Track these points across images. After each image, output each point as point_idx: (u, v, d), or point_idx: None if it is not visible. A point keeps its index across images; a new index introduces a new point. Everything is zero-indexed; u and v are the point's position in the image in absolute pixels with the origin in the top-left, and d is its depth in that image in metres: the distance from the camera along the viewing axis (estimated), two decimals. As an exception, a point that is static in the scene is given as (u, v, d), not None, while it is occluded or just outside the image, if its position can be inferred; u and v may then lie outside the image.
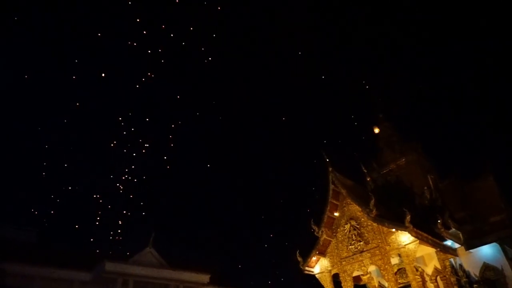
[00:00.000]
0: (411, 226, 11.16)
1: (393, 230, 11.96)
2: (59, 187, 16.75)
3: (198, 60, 17.76)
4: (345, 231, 13.36)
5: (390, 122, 18.02)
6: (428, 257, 13.12)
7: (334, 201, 13.87)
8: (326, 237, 13.62)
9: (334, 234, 13.72)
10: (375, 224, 12.48)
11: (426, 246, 11.94)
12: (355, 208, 13.23)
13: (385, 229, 12.28)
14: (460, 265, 12.40)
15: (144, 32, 16.19)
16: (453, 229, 12.46)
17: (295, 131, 19.27)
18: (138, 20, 15.96)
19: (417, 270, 12.37)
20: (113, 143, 16.70)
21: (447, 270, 12.22)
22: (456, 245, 12.55)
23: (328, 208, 13.74)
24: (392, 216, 12.16)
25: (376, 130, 17.72)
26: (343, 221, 13.57)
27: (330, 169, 13.70)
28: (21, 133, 16.34)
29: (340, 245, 13.48)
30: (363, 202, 12.61)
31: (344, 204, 13.74)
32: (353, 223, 13.21)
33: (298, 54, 18.28)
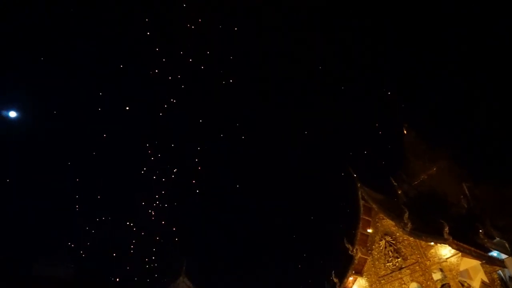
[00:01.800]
0: (451, 238, 10.58)
1: (432, 243, 11.40)
2: (92, 219, 16.99)
3: (218, 83, 17.97)
4: (381, 248, 12.84)
5: (416, 129, 17.48)
6: (473, 270, 12.34)
7: (366, 217, 13.44)
8: (362, 255, 13.14)
9: (370, 251, 13.21)
10: (411, 239, 11.94)
11: (470, 258, 11.26)
12: (388, 223, 12.74)
13: (423, 243, 11.73)
14: (510, 277, 11.58)
15: (164, 59, 16.58)
16: (498, 239, 11.70)
17: (319, 145, 18.97)
18: (157, 49, 16.40)
19: (462, 285, 11.66)
20: (143, 171, 16.94)
21: (496, 283, 11.43)
22: (503, 256, 11.75)
23: (361, 225, 13.31)
24: (429, 229, 11.60)
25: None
26: (378, 237, 13.08)
27: (359, 184, 13.34)
28: (52, 167, 16.79)
29: (376, 263, 12.95)
30: (396, 216, 12.13)
31: (376, 220, 13.28)
32: (388, 238, 12.70)
33: (318, 67, 18.22)
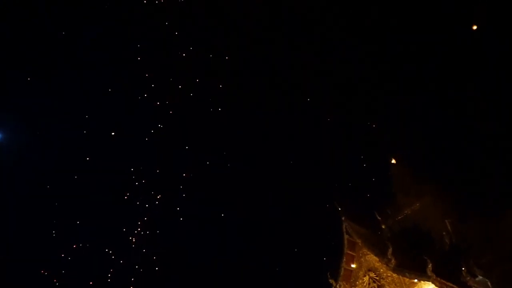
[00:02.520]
0: (434, 276, 10.48)
1: (415, 280, 11.25)
2: (69, 245, 16.42)
3: (207, 110, 18.04)
4: (364, 284, 12.61)
5: (401, 164, 17.63)
6: (457, 309, 12.14)
7: (350, 252, 13.28)
8: (345, 292, 12.87)
9: (353, 287, 12.96)
10: (395, 275, 11.78)
11: (453, 297, 11.10)
12: (372, 259, 12.58)
13: (406, 279, 11.59)
14: (493, 316, 11.40)
15: (152, 85, 16.68)
16: (480, 277, 11.60)
17: (303, 176, 18.95)
18: (146, 75, 16.51)
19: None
20: (126, 195, 16.62)
21: (479, 322, 11.22)
22: (487, 294, 11.63)
23: (344, 259, 13.13)
24: (413, 265, 11.48)
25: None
26: (361, 273, 12.87)
27: (343, 218, 13.27)
28: (28, 189, 16.33)
29: (360, 299, 12.67)
30: (380, 252, 12.01)
31: (360, 255, 13.12)
32: (372, 274, 12.51)
33: (304, 97, 18.50)
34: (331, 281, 13.00)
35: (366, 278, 12.57)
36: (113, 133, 16.97)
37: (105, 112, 17.36)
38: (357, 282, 12.85)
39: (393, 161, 17.57)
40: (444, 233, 13.55)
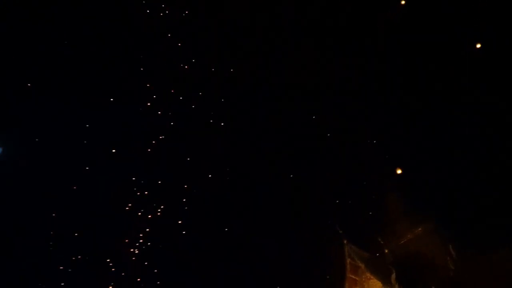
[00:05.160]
0: (439, 302, 10.32)
1: (420, 307, 11.06)
2: (68, 257, 16.12)
3: (205, 123, 18.12)
4: (368, 310, 12.40)
5: (403, 188, 17.63)
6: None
7: (353, 276, 13.12)
8: (348, 318, 12.63)
9: (356, 313, 12.73)
10: (400, 301, 11.57)
11: (458, 324, 10.91)
12: (376, 284, 12.42)
13: (411, 306, 11.37)
14: None
15: (154, 96, 16.82)
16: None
17: (303, 196, 18.84)
18: (147, 85, 16.63)
19: None
20: (128, 207, 16.47)
21: None
22: (491, 323, 11.45)
23: (347, 284, 12.96)
24: (416, 291, 11.32)
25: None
26: (365, 298, 12.68)
27: (345, 241, 13.17)
28: (28, 203, 16.11)
29: (364, 326, 12.43)
30: (384, 277, 11.88)
31: (364, 279, 12.96)
32: (376, 300, 12.32)
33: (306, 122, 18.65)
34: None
35: (369, 303, 12.38)
36: (113, 144, 16.93)
37: (105, 122, 17.38)
38: (361, 308, 12.64)
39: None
40: (448, 258, 13.44)
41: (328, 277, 16.40)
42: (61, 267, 16.08)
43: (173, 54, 17.12)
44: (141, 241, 16.90)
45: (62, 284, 15.90)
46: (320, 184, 17.93)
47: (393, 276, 11.37)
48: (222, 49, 17.92)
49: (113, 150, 16.82)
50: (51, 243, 16.17)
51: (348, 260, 13.12)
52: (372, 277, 12.56)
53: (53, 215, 16.34)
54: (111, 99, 16.54)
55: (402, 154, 16.44)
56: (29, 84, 15.93)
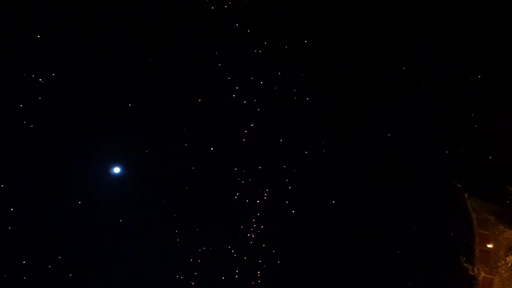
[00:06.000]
0: None
1: None
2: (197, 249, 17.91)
3: (301, 103, 18.07)
4: (509, 265, 11.19)
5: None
6: None
7: (483, 231, 11.95)
8: (485, 275, 11.60)
9: (495, 270, 11.59)
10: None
11: None
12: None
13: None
14: None
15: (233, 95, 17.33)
16: None
17: (414, 152, 17.62)
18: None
19: None
20: (236, 196, 17.93)
21: None
22: None
23: (478, 240, 11.87)
24: None
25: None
26: (502, 252, 11.45)
27: (467, 195, 12.05)
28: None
29: (506, 282, 11.28)
30: (521, 227, 10.61)
31: (496, 233, 11.70)
32: (516, 253, 11.08)
33: None
34: (466, 265, 11.85)
35: (509, 258, 11.15)
36: (213, 140, 17.91)
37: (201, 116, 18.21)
38: (499, 264, 11.47)
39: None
40: None
41: (452, 233, 15.39)
42: (191, 259, 17.85)
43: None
44: (254, 225, 17.81)
45: (195, 273, 17.68)
46: (430, 138, 16.59)
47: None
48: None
49: (211, 148, 17.85)
50: (183, 238, 17.80)
51: (474, 215, 11.99)
52: (506, 229, 11.30)
53: (178, 213, 18.06)
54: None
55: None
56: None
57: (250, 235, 17.74)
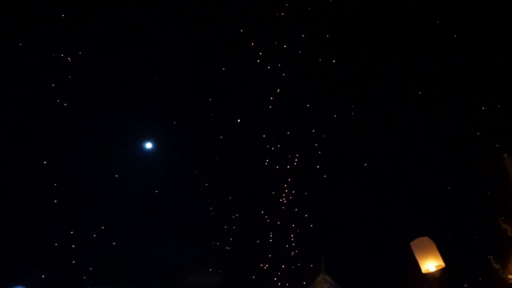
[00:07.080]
0: None
1: None
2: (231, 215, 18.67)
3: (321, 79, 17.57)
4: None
5: None
6: None
7: (525, 190, 11.46)
8: (525, 236, 11.23)
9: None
10: None
11: None
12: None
13: None
14: None
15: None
16: None
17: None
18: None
19: None
20: (266, 162, 17.83)
21: None
22: None
23: (517, 200, 11.40)
24: None
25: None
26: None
27: (505, 155, 11.52)
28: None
29: (546, 243, 10.88)
30: None
31: (537, 192, 11.17)
32: None
33: None
34: (504, 226, 11.50)
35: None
36: (238, 102, 18.02)
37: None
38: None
39: None
40: None
41: (490, 193, 14.87)
42: (225, 226, 18.50)
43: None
44: (286, 191, 17.98)
45: (230, 239, 18.34)
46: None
47: None
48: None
49: (239, 120, 17.95)
50: (216, 205, 18.42)
51: (512, 173, 11.48)
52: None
53: (210, 183, 18.60)
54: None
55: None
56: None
57: (282, 200, 17.99)
